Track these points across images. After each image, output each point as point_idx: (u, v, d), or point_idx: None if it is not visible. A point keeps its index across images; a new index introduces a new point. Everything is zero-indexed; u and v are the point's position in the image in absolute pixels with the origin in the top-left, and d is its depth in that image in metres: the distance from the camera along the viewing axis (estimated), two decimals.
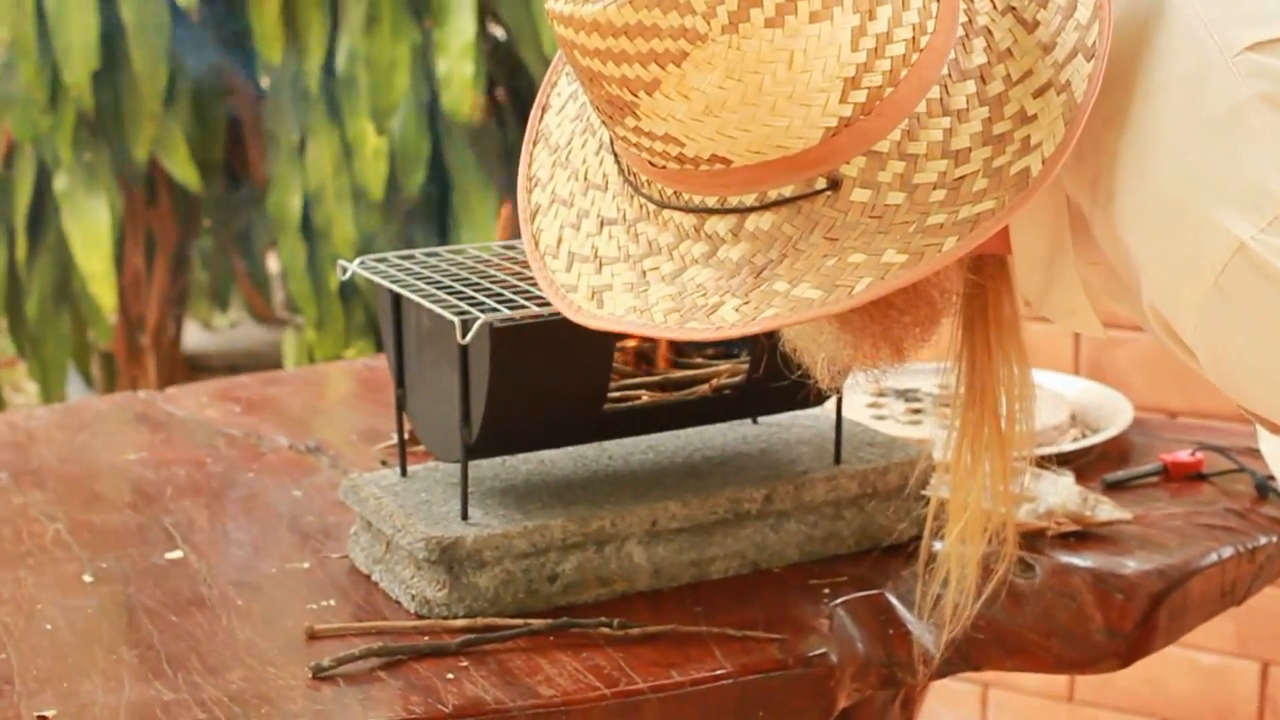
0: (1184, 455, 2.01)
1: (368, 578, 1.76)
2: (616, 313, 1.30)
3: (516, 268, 1.80)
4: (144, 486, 2.04)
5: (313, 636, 1.63)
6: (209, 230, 4.72)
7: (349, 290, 4.35)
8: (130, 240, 4.53)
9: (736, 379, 1.80)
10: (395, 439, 1.86)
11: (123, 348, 4.64)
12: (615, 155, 1.34)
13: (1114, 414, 2.14)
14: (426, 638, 1.63)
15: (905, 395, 2.20)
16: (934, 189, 1.23)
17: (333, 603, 1.72)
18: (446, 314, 1.63)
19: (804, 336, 1.43)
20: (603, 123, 1.30)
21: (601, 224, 1.35)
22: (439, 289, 1.72)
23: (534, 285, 1.72)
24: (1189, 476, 2.00)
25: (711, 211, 1.27)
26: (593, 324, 1.32)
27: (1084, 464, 2.03)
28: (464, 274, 1.77)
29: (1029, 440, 1.53)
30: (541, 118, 1.46)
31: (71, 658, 1.60)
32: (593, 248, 1.34)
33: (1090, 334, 1.44)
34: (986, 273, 1.43)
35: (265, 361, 4.91)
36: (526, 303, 1.66)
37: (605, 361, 1.69)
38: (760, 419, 1.93)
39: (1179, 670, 3.11)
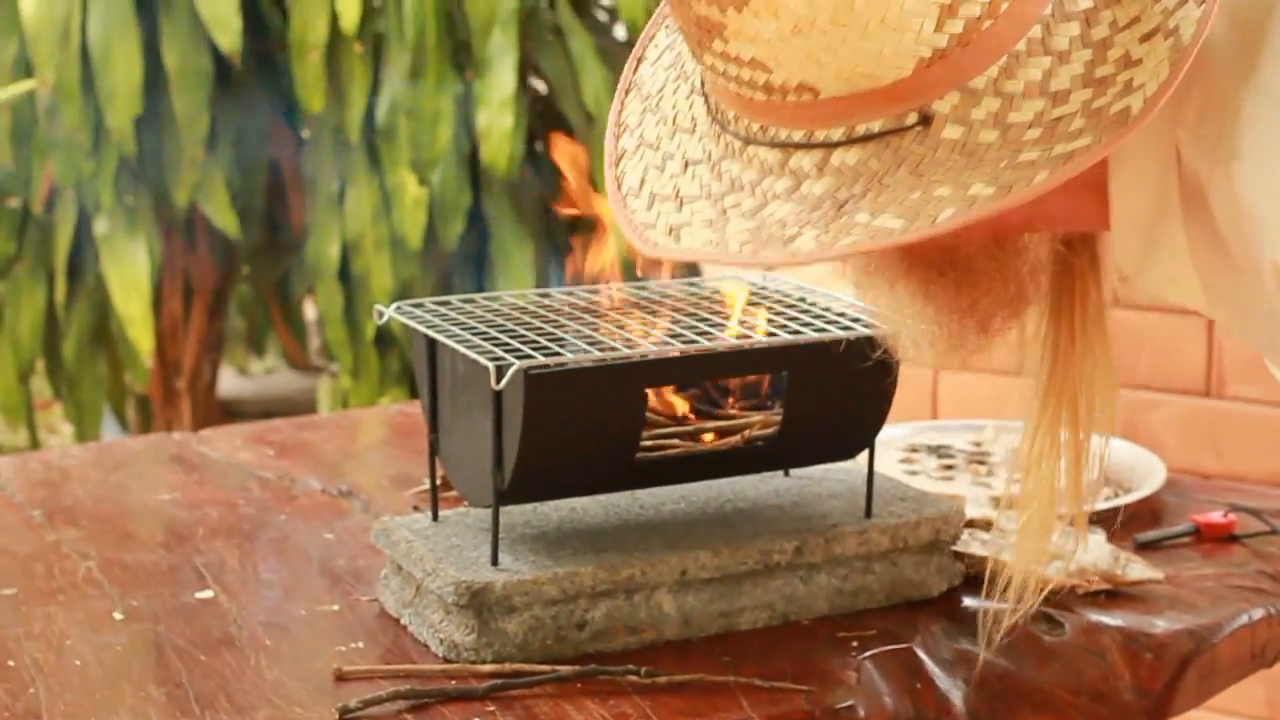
0: (1216, 516, 2.00)
1: (397, 621, 1.77)
2: (693, 246, 1.28)
3: (553, 315, 1.80)
4: (176, 526, 2.05)
5: (340, 678, 1.64)
6: (247, 277, 4.74)
7: (385, 339, 4.36)
8: (168, 285, 4.55)
9: (769, 430, 1.80)
10: (427, 484, 1.87)
11: (159, 391, 4.65)
12: (705, 95, 1.33)
13: (1146, 474, 2.13)
14: (454, 682, 1.63)
15: (938, 451, 2.20)
16: (1029, 128, 1.20)
17: (361, 645, 1.72)
18: (481, 359, 1.64)
19: (889, 313, 1.40)
20: (691, 52, 1.27)
21: (686, 165, 1.32)
22: (474, 334, 1.73)
23: (569, 333, 1.73)
24: (1221, 538, 1.99)
25: (797, 146, 1.25)
26: (667, 256, 1.30)
27: (1116, 523, 2.03)
28: (500, 320, 1.78)
29: (1109, 428, 1.50)
30: (636, 69, 1.44)
31: (100, 694, 1.61)
32: (675, 188, 1.31)
33: (1192, 305, 1.39)
34: (1076, 255, 1.41)
35: (300, 408, 4.91)
36: (561, 350, 1.67)
37: (638, 409, 1.70)
38: (792, 471, 1.93)
39: None
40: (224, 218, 4.28)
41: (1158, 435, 3.24)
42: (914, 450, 2.21)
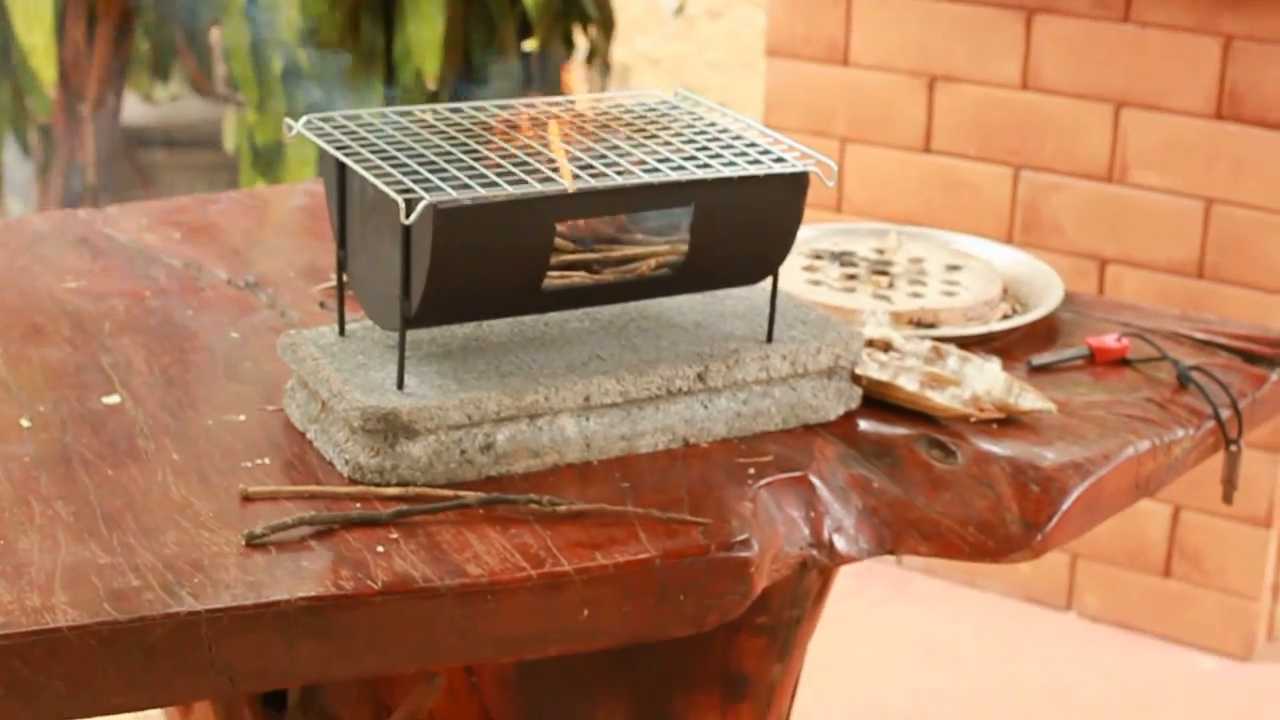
0: (1110, 341, 2.04)
1: (302, 435, 1.79)
2: None
3: (461, 137, 1.80)
4: (83, 320, 2.05)
5: (247, 499, 1.66)
6: (152, 6, 4.66)
7: (292, 74, 4.32)
8: (71, 14, 4.48)
9: (674, 258, 1.82)
10: (334, 281, 1.88)
11: (62, 120, 4.60)
12: None
13: (1045, 290, 2.16)
14: (359, 505, 1.65)
15: (841, 259, 2.22)
16: None
17: (267, 461, 1.74)
18: (390, 192, 1.64)
19: None
20: None
21: None
22: (384, 159, 1.72)
23: (479, 160, 1.72)
24: (1113, 362, 2.03)
25: None
26: None
27: (1011, 341, 2.07)
28: (409, 142, 1.78)
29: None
30: None
31: (9, 512, 1.62)
32: None
33: None
34: None
35: (204, 137, 4.89)
36: (470, 181, 1.67)
37: (546, 242, 1.70)
38: None
39: None
40: None
41: (1059, 218, 3.28)
42: (818, 257, 2.23)
